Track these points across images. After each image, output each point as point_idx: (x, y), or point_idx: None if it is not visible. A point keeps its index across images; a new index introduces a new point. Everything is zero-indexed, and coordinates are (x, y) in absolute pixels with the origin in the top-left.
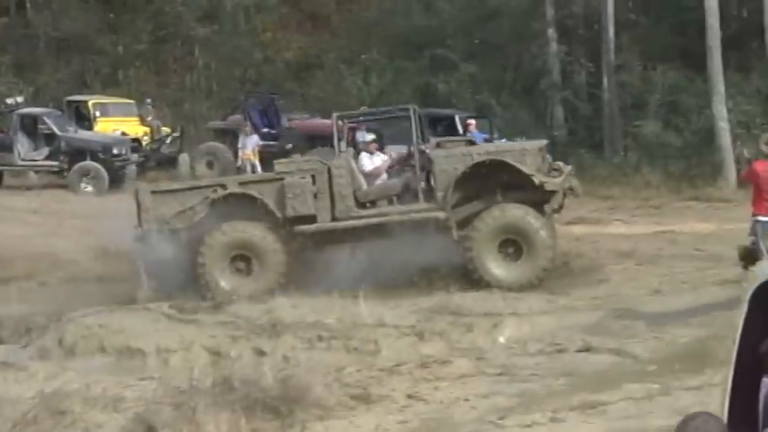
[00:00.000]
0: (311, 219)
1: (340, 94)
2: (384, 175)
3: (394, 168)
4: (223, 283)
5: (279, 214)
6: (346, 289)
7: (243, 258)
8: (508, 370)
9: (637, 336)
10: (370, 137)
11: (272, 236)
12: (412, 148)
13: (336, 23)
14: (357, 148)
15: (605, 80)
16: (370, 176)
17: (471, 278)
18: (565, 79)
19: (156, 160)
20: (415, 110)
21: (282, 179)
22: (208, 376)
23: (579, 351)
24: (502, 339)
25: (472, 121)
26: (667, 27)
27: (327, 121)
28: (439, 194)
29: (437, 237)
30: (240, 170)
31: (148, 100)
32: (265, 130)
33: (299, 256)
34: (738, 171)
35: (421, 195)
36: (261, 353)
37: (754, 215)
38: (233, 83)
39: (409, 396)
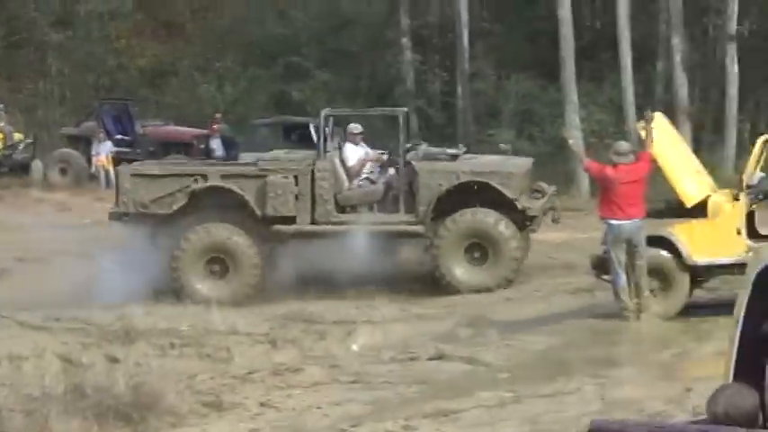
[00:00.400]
0: (290, 220)
1: (194, 101)
2: (367, 169)
3: (377, 166)
4: (198, 286)
5: (258, 212)
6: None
7: (218, 261)
8: (361, 378)
9: (489, 344)
10: (358, 128)
11: (248, 239)
12: (398, 153)
13: (191, 31)
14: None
15: (459, 89)
16: (352, 170)
17: (438, 282)
18: (419, 87)
19: (8, 166)
20: (405, 113)
21: (266, 176)
22: (60, 383)
23: (432, 359)
24: (355, 347)
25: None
26: (521, 36)
27: (181, 128)
28: (421, 209)
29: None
30: (94, 177)
31: (1, 105)
32: (119, 136)
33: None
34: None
35: (402, 206)
36: (113, 360)
37: (603, 218)
38: (87, 89)
39: (261, 404)
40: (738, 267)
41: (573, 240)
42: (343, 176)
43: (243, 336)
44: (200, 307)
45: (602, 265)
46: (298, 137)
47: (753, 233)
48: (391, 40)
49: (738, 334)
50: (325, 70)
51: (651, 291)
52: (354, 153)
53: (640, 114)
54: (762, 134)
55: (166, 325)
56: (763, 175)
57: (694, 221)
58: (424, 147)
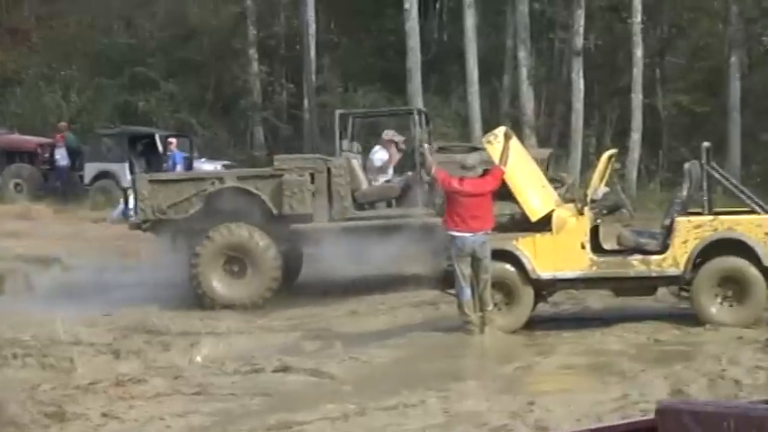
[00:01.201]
0: (308, 218)
1: (39, 110)
2: (390, 172)
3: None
4: (217, 286)
5: (275, 211)
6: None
7: (236, 261)
8: (205, 389)
9: (334, 356)
10: (399, 137)
11: (267, 239)
12: (418, 150)
13: (36, 39)
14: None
15: (306, 101)
16: (380, 171)
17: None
18: (266, 99)
19: None
20: (420, 111)
21: (281, 176)
22: None
23: (276, 371)
24: (199, 359)
25: (173, 140)
26: (369, 49)
27: (25, 137)
28: (438, 200)
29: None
30: None
31: None
32: None
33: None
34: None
35: (419, 200)
36: None
37: (447, 231)
38: None
39: (104, 414)
40: (582, 282)
41: (417, 253)
42: (361, 175)
43: (86, 346)
44: (45, 317)
45: (446, 279)
46: (143, 147)
47: (597, 248)
48: (238, 51)
49: None
50: (171, 81)
51: (495, 304)
52: (383, 154)
53: (487, 128)
54: (607, 149)
55: (10, 335)
56: (607, 189)
57: (538, 235)
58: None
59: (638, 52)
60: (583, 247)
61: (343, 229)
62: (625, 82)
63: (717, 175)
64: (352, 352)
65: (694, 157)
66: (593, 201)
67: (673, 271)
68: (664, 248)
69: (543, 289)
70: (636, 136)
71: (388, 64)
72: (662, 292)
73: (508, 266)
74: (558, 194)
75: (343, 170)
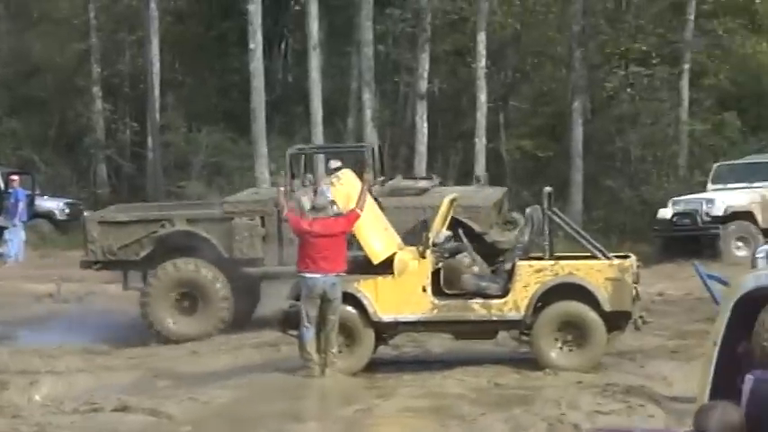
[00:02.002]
0: (258, 262)
1: None
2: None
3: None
4: (169, 322)
5: (226, 255)
6: None
7: (187, 297)
8: (43, 429)
9: (173, 396)
10: (337, 164)
11: (213, 271)
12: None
13: None
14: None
15: (150, 139)
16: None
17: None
18: (109, 137)
19: None
20: (373, 149)
21: (232, 219)
22: None
23: (115, 410)
24: (38, 397)
25: (15, 177)
26: (213, 88)
27: None
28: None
29: None
30: None
31: None
32: None
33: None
34: None
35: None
36: None
37: (298, 272)
38: None
39: None
40: (423, 325)
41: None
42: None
43: None
44: None
45: (288, 320)
46: None
47: (438, 291)
48: (82, 89)
49: (716, 354)
50: (13, 117)
51: (337, 346)
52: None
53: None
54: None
55: None
56: (449, 233)
57: (380, 278)
58: (397, 180)
59: (482, 96)
60: (424, 290)
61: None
62: (469, 126)
63: (558, 220)
64: (192, 392)
65: (537, 201)
66: (434, 244)
67: (513, 315)
68: (505, 292)
69: (384, 331)
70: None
71: (233, 104)
72: (503, 335)
73: (350, 308)
74: (512, 236)
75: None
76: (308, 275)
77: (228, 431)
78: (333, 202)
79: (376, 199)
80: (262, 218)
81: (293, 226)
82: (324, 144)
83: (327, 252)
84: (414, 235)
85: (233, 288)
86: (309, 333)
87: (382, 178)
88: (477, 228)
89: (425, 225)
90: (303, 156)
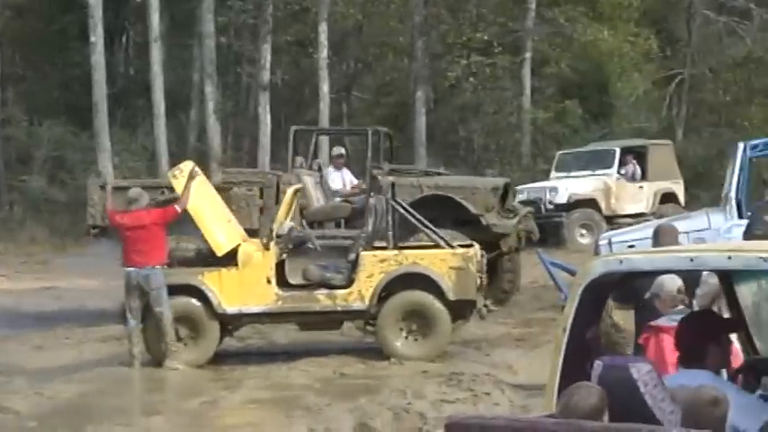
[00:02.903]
0: (254, 233)
1: None
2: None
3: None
4: None
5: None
6: None
7: None
8: None
9: (18, 392)
10: (339, 150)
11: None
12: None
13: None
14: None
15: None
16: (336, 194)
17: None
18: None
19: None
20: (377, 132)
21: (230, 189)
22: None
23: None
24: None
25: None
26: (54, 82)
27: None
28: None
29: None
30: None
31: None
32: None
33: None
34: None
35: (369, 222)
36: None
37: (123, 265)
38: None
39: None
40: (268, 316)
41: (105, 288)
42: (313, 193)
43: None
44: None
45: (125, 313)
46: None
47: (283, 282)
48: None
49: (565, 341)
50: None
51: (181, 339)
52: (337, 177)
53: (174, 162)
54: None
55: None
56: (292, 224)
57: (224, 270)
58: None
59: (325, 87)
60: (269, 281)
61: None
62: (312, 116)
63: (401, 210)
64: (37, 387)
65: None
66: (278, 236)
67: (358, 305)
68: (349, 283)
69: (230, 323)
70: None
71: (74, 97)
72: (348, 326)
73: (194, 301)
74: (509, 223)
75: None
76: (126, 269)
77: (75, 426)
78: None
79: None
80: (261, 189)
81: (109, 220)
82: (327, 127)
83: (140, 245)
84: None
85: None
86: (130, 323)
87: (387, 164)
88: (472, 209)
89: None
90: (312, 138)
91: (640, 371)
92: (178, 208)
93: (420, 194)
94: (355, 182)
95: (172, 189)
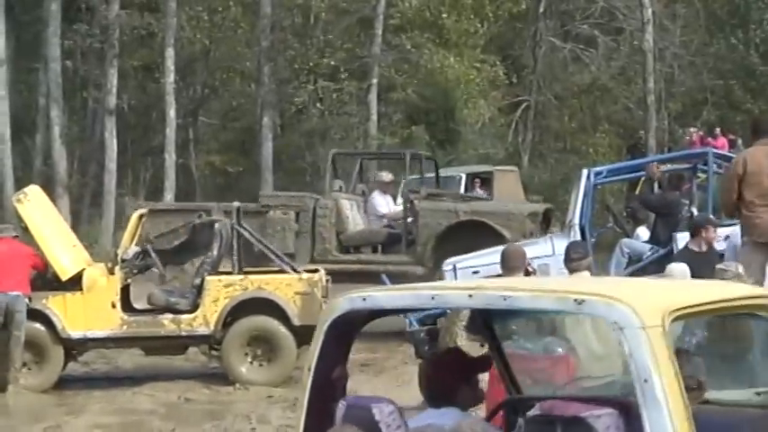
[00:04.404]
0: (290, 257)
1: None
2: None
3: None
4: None
5: (257, 249)
6: None
7: None
8: None
9: None
10: (389, 176)
11: None
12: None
13: None
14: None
15: None
16: (382, 218)
17: None
18: None
19: None
20: (416, 155)
21: (267, 212)
22: None
23: None
24: None
25: None
26: None
27: None
28: (419, 248)
29: None
30: None
31: None
32: None
33: None
34: None
35: (404, 247)
36: None
37: None
38: None
39: None
40: (113, 341)
41: None
42: (350, 216)
43: None
44: None
45: None
46: None
47: (128, 307)
48: None
49: (311, 380)
50: None
51: (25, 363)
52: (383, 200)
53: (19, 186)
54: (139, 208)
55: None
56: (138, 249)
57: (69, 294)
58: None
59: (172, 112)
60: (113, 306)
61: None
62: (159, 141)
63: (247, 235)
64: None
65: (228, 217)
66: (123, 260)
67: (203, 330)
68: (194, 307)
69: (74, 348)
70: (169, 195)
71: None
72: (193, 351)
73: (38, 325)
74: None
75: (329, 211)
76: None
77: None
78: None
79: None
80: (297, 213)
81: None
82: (368, 151)
83: (7, 271)
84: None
85: None
86: None
87: (425, 188)
88: (507, 235)
89: None
90: (357, 162)
91: (382, 411)
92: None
93: (456, 219)
94: (398, 208)
95: (209, 212)
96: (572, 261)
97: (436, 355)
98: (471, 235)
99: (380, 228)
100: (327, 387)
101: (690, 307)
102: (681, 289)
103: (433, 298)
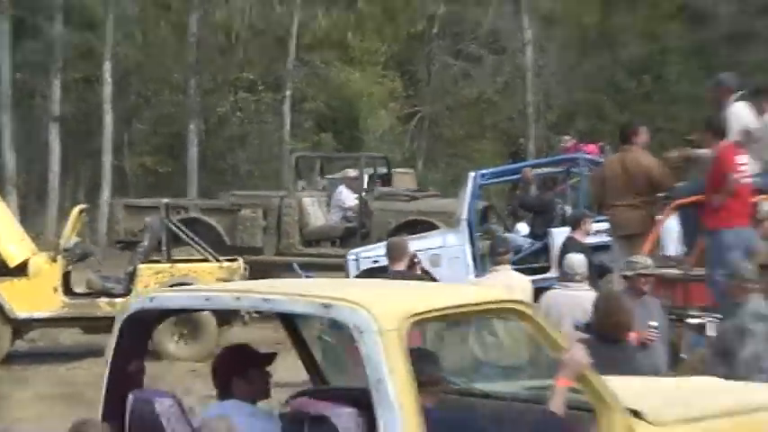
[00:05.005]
0: (258, 250)
1: None
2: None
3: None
4: None
5: (229, 243)
6: None
7: None
8: None
9: None
10: (355, 173)
11: None
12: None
13: None
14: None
15: None
16: (349, 210)
17: None
18: None
19: None
20: (373, 158)
21: (238, 210)
22: None
23: None
24: None
25: None
26: None
27: None
28: (373, 243)
29: None
30: None
31: None
32: None
33: None
34: None
35: (359, 240)
36: None
37: None
38: None
39: None
40: (55, 321)
41: None
42: (312, 212)
43: None
44: None
45: None
46: None
47: (68, 291)
48: None
49: (107, 373)
50: None
51: None
52: (349, 194)
53: None
54: (79, 204)
55: None
56: (78, 239)
57: (16, 280)
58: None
59: (108, 119)
60: (56, 290)
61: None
62: (97, 145)
63: (174, 228)
64: None
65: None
66: (65, 249)
67: None
68: (128, 291)
69: (20, 327)
70: (106, 193)
71: None
72: None
73: None
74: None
75: (293, 209)
76: None
77: None
78: None
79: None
80: (264, 211)
81: None
82: (327, 154)
83: None
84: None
85: None
86: None
87: (378, 188)
88: None
89: None
90: (318, 163)
91: (163, 405)
92: None
93: (404, 219)
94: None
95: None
96: (498, 255)
97: (223, 350)
98: (418, 231)
99: (339, 222)
100: (124, 379)
101: (429, 312)
102: (425, 294)
103: (207, 299)
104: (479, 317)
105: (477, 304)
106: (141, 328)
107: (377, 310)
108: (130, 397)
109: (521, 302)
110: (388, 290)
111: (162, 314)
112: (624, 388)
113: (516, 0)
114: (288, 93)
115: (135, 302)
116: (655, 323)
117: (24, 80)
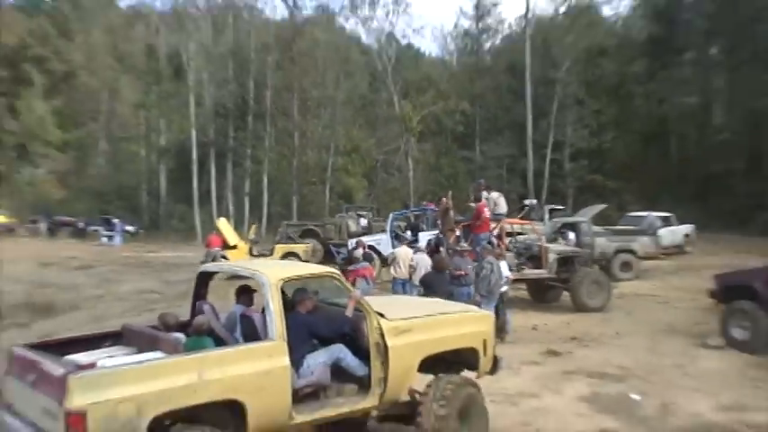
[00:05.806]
0: None
1: None
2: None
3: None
4: None
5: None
6: None
7: None
8: None
9: None
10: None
11: None
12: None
13: None
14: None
15: None
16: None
17: None
18: None
19: None
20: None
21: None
22: None
23: None
24: None
25: None
26: None
27: None
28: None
29: None
30: None
31: None
32: None
33: None
34: None
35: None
36: None
37: None
38: None
39: None
40: None
41: None
42: None
43: None
44: None
45: None
46: None
47: (251, 255)
48: None
49: (192, 296)
50: None
51: None
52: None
53: None
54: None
55: None
56: (254, 235)
57: (234, 251)
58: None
59: None
60: (247, 254)
61: None
62: None
63: (288, 231)
64: None
65: None
66: (250, 239)
67: None
68: (271, 254)
69: None
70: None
71: None
72: None
73: None
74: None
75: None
76: None
77: None
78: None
79: None
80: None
81: None
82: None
83: None
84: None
85: None
86: None
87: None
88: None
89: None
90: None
91: (206, 306)
92: None
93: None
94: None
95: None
96: (399, 242)
97: (239, 286)
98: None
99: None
100: (197, 297)
101: (292, 277)
102: (293, 269)
103: (220, 269)
104: (316, 279)
105: (315, 274)
106: (205, 279)
107: (269, 275)
108: (198, 303)
109: (334, 272)
110: (278, 266)
111: (212, 274)
112: (383, 303)
113: None
114: None
115: (202, 267)
116: (468, 266)
117: None
